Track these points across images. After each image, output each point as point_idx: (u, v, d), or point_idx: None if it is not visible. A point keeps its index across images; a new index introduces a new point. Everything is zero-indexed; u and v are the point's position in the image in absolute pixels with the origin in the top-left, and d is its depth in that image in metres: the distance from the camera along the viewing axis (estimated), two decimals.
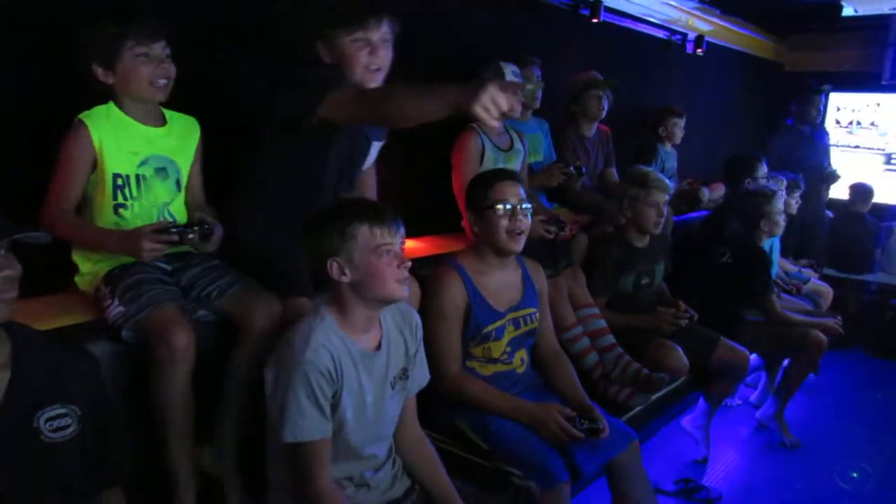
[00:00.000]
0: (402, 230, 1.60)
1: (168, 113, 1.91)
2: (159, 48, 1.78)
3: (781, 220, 3.39)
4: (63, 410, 1.23)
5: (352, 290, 1.58)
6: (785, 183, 3.89)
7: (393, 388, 1.68)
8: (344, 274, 1.55)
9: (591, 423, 2.02)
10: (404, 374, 1.72)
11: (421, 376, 1.80)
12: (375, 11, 1.90)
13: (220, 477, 1.79)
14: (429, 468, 1.76)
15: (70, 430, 1.23)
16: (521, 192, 2.14)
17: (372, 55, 1.90)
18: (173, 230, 1.71)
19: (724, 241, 3.36)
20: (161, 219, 1.87)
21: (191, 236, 1.74)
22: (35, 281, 1.60)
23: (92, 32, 1.74)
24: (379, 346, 1.65)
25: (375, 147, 2.16)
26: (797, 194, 3.99)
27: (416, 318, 1.78)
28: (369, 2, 1.92)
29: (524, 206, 2.12)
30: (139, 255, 1.71)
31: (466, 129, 2.85)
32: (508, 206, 2.10)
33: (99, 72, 1.76)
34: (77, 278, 1.86)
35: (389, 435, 1.72)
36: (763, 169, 3.75)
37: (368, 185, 2.31)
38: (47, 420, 1.21)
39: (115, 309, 1.73)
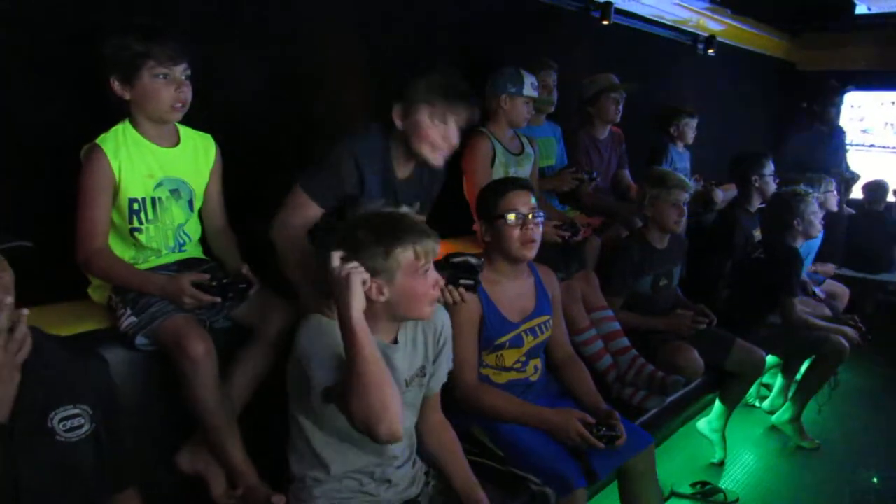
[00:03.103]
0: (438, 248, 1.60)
1: (182, 130, 1.88)
2: (180, 70, 1.76)
3: (817, 221, 3.35)
4: (75, 410, 1.24)
5: (384, 308, 1.56)
6: (833, 182, 3.89)
7: (408, 385, 1.68)
8: (381, 294, 1.52)
9: (609, 430, 2.01)
10: (422, 373, 1.72)
11: (443, 373, 1.80)
12: (466, 97, 1.92)
13: (201, 475, 1.79)
14: (450, 454, 1.78)
15: (84, 429, 1.25)
16: (533, 200, 2.12)
17: (444, 139, 1.92)
18: (214, 283, 1.74)
19: (745, 238, 3.36)
20: (177, 239, 1.89)
21: (230, 295, 1.77)
22: (52, 289, 1.63)
23: (115, 45, 1.71)
24: (395, 341, 1.65)
25: (407, 207, 2.15)
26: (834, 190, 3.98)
27: (443, 319, 1.77)
28: (462, 88, 1.93)
29: (536, 215, 2.10)
30: (179, 305, 1.73)
31: (477, 133, 2.85)
32: (520, 216, 2.08)
33: (116, 85, 1.74)
34: (90, 290, 1.88)
35: (405, 434, 1.70)
36: (770, 166, 3.72)
37: None
38: (61, 420, 1.22)
39: (128, 319, 1.75)
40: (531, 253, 2.12)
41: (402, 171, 2.03)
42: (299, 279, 1.85)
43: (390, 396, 1.37)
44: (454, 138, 1.93)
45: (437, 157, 1.95)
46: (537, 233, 2.11)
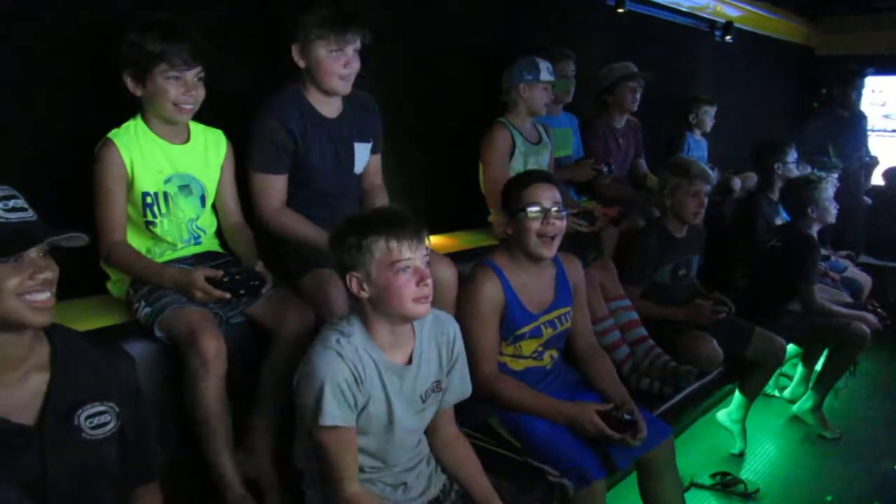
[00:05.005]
0: (425, 243, 1.53)
1: (193, 126, 1.89)
2: (192, 74, 1.76)
3: (832, 208, 3.32)
4: (102, 408, 1.24)
5: (371, 306, 1.54)
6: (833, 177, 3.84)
7: (424, 401, 1.65)
8: (363, 289, 1.51)
9: (629, 415, 2.00)
10: (437, 387, 1.68)
11: (462, 389, 1.75)
12: (353, 23, 1.96)
13: (257, 478, 1.80)
14: (467, 469, 1.73)
15: (110, 426, 1.25)
16: (556, 195, 2.09)
17: (346, 66, 1.98)
18: (226, 279, 1.74)
19: (767, 226, 3.36)
20: (191, 233, 1.90)
21: (241, 292, 1.77)
22: (75, 283, 1.63)
23: (131, 42, 1.72)
24: (410, 360, 1.62)
25: (362, 148, 2.17)
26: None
27: (455, 329, 1.72)
28: (346, 14, 1.97)
29: (558, 209, 2.07)
30: (191, 299, 1.75)
31: (496, 122, 2.84)
32: (541, 210, 2.05)
33: (129, 82, 1.76)
34: (109, 284, 1.90)
35: (416, 441, 1.70)
36: (793, 154, 3.67)
37: (376, 188, 2.28)
38: (87, 418, 1.22)
39: (143, 310, 1.77)
40: (549, 250, 2.08)
41: (328, 110, 2.08)
42: (315, 237, 1.94)
43: None
44: (355, 62, 1.99)
45: (345, 86, 2.02)
46: (558, 228, 2.07)
